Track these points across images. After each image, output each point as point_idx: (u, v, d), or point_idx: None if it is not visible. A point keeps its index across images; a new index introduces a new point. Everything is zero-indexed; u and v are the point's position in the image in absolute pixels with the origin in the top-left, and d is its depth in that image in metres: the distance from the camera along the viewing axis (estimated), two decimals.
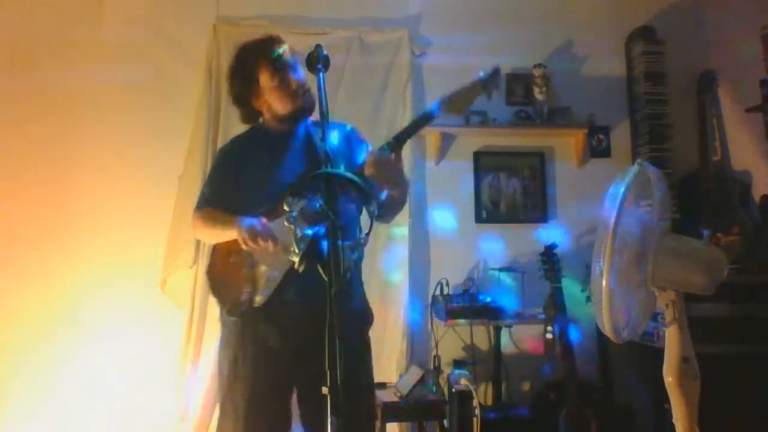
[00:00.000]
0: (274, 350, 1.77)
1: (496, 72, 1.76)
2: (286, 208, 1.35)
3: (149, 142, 3.21)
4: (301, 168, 1.84)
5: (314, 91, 1.78)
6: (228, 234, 1.77)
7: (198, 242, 3.11)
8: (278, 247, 1.66)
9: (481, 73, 1.75)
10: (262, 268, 1.74)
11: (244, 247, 1.70)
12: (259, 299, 1.73)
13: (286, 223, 1.40)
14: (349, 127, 1.99)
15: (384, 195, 1.81)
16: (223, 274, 1.85)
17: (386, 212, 1.89)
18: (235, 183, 1.89)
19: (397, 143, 1.74)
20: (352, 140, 1.94)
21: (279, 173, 1.84)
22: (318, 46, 1.72)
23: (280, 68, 1.85)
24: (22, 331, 3.01)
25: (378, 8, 3.48)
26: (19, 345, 3.00)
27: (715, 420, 1.65)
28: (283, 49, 1.88)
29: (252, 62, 1.87)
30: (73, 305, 3.04)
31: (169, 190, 3.15)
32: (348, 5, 3.46)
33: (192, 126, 3.22)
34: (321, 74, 1.66)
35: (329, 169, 1.41)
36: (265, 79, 1.86)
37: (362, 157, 1.77)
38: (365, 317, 1.91)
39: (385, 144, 1.73)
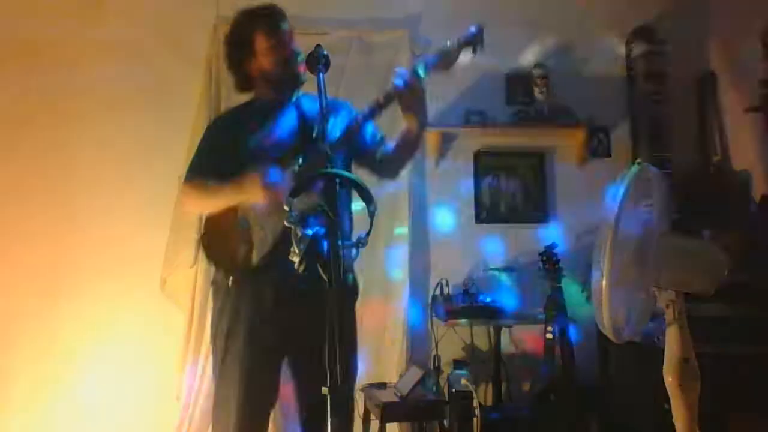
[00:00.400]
0: (268, 312, 1.78)
1: (479, 30, 1.88)
2: (286, 208, 1.35)
3: (149, 141, 3.21)
4: (290, 139, 1.86)
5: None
6: (228, 201, 1.79)
7: (198, 242, 3.11)
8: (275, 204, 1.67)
9: (464, 35, 1.85)
10: (256, 228, 1.76)
11: (264, 201, 1.70)
12: (255, 258, 1.74)
13: (286, 224, 1.40)
14: (346, 105, 2.03)
15: (392, 146, 1.91)
16: (218, 237, 1.86)
17: (398, 156, 1.95)
18: (227, 155, 1.87)
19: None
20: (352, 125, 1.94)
21: (268, 141, 1.86)
22: (318, 46, 1.72)
23: (276, 32, 1.88)
24: (21, 330, 3.01)
25: (378, 8, 3.48)
26: (19, 345, 3.00)
27: (715, 420, 1.65)
28: (282, 18, 1.91)
29: (248, 25, 1.90)
30: (73, 305, 3.04)
31: (169, 190, 3.15)
32: (348, 5, 3.46)
33: (192, 126, 3.22)
34: (321, 74, 1.66)
35: (330, 170, 1.41)
36: (260, 41, 1.88)
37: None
38: (352, 292, 1.92)
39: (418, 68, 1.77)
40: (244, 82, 1.98)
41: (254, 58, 1.90)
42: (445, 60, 1.82)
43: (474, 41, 1.86)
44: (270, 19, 1.90)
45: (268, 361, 1.81)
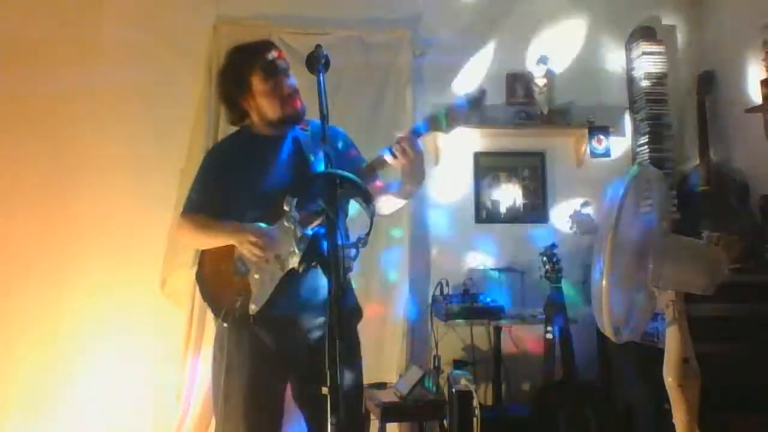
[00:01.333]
0: (269, 352, 1.78)
1: (481, 93, 1.76)
2: (286, 208, 1.35)
3: (149, 141, 3.21)
4: (288, 175, 1.84)
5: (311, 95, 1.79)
6: (220, 241, 1.77)
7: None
8: (272, 255, 1.67)
9: (464, 101, 1.73)
10: (255, 276, 1.73)
11: (249, 257, 1.71)
12: (253, 307, 1.72)
13: (286, 224, 1.40)
14: (341, 131, 1.98)
15: (396, 186, 1.84)
16: (214, 280, 1.84)
17: (393, 202, 1.91)
18: (221, 188, 1.85)
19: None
20: (347, 142, 1.94)
21: (266, 179, 1.83)
22: (318, 46, 1.71)
23: (273, 73, 1.84)
24: (21, 330, 3.01)
25: (378, 8, 3.48)
26: (18, 344, 3.00)
27: (715, 420, 1.65)
28: (277, 55, 1.87)
29: (245, 65, 1.85)
30: (74, 305, 3.04)
31: (169, 190, 3.15)
32: (348, 5, 3.46)
33: (192, 126, 3.22)
34: (321, 74, 1.65)
35: (330, 170, 1.41)
36: (257, 83, 1.84)
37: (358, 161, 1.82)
38: (356, 312, 1.91)
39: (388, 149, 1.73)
40: (238, 118, 1.95)
41: (252, 99, 1.86)
42: (448, 121, 1.74)
43: (477, 105, 1.76)
44: (266, 60, 1.84)
45: (269, 397, 1.80)
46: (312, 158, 1.82)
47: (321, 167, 1.54)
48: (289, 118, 1.87)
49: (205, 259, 1.88)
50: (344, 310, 1.73)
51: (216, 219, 1.81)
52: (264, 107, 1.86)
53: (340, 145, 1.90)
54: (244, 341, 1.78)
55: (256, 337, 1.77)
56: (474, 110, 1.75)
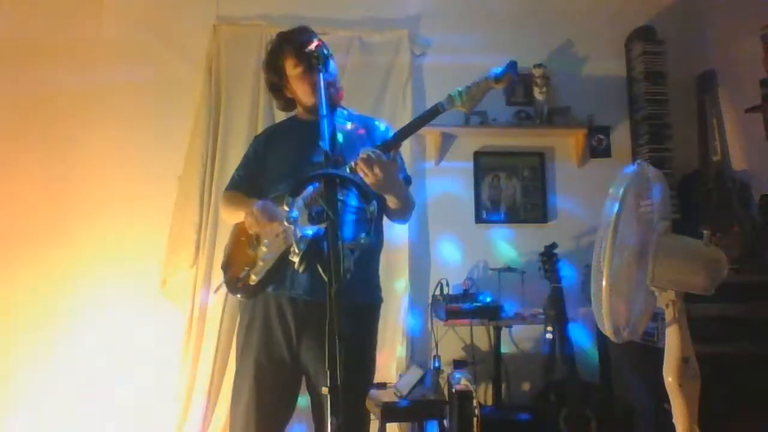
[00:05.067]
0: (276, 324, 1.80)
1: (511, 66, 1.70)
2: (285, 208, 1.35)
3: (149, 141, 3.21)
4: (319, 157, 1.84)
5: (339, 84, 1.89)
6: (240, 215, 1.84)
7: (198, 242, 3.12)
8: (280, 228, 1.70)
9: (495, 70, 1.69)
10: (262, 248, 1.77)
11: (247, 226, 1.79)
12: (253, 278, 1.75)
13: (286, 223, 1.40)
14: (377, 123, 2.00)
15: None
16: (233, 251, 1.91)
17: (390, 215, 1.93)
18: (262, 168, 1.95)
19: (394, 142, 1.73)
20: (375, 134, 1.94)
21: (300, 160, 1.86)
22: (318, 46, 1.72)
23: (304, 55, 1.81)
24: (22, 331, 3.01)
25: (378, 8, 3.48)
26: (19, 345, 3.00)
27: (715, 420, 1.65)
28: (309, 38, 1.85)
29: (278, 51, 1.91)
30: (74, 305, 3.04)
31: (169, 190, 3.16)
32: (348, 5, 3.46)
33: (192, 126, 3.22)
34: (321, 74, 1.66)
35: (329, 170, 1.41)
36: (290, 68, 1.89)
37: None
38: (366, 309, 1.88)
39: (379, 144, 1.72)
40: (284, 105, 2.03)
41: (288, 84, 1.93)
42: (469, 96, 1.70)
43: (503, 78, 1.71)
44: (298, 44, 1.84)
45: (282, 377, 1.80)
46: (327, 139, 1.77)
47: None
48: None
49: (233, 232, 1.96)
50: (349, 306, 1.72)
51: (247, 196, 1.91)
52: (299, 93, 1.92)
53: (368, 135, 1.92)
54: (257, 311, 1.83)
55: (265, 308, 1.81)
56: (501, 80, 1.68)
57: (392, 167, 1.71)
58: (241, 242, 1.86)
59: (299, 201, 1.55)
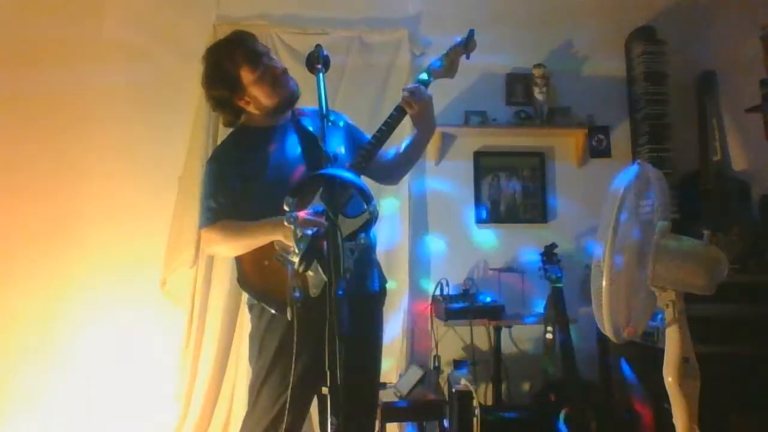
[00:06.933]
0: (315, 338, 1.70)
1: (470, 35, 1.99)
2: (285, 208, 1.35)
3: (149, 141, 3.21)
4: (299, 154, 1.83)
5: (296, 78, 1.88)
6: (261, 241, 1.69)
7: (198, 242, 3.11)
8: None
9: (458, 38, 1.99)
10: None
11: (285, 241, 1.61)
12: (314, 291, 1.56)
13: (286, 223, 1.40)
14: (345, 117, 2.03)
15: (393, 153, 2.00)
16: (263, 280, 1.75)
17: (402, 162, 2.02)
18: (240, 190, 1.79)
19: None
20: (351, 128, 2.00)
21: (280, 165, 1.80)
22: (318, 46, 1.72)
23: (258, 59, 1.80)
24: (22, 330, 3.01)
25: (378, 8, 3.48)
26: (19, 345, 3.00)
27: (715, 420, 1.65)
28: (255, 40, 1.85)
29: (227, 62, 1.80)
30: (74, 305, 3.04)
31: (169, 190, 3.16)
32: (348, 5, 3.46)
33: (192, 126, 3.22)
34: (321, 74, 1.66)
35: (329, 170, 1.41)
36: (246, 74, 1.79)
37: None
38: (370, 302, 1.88)
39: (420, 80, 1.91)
40: (234, 117, 1.90)
41: (245, 93, 1.82)
42: (448, 62, 1.96)
43: (469, 44, 1.99)
44: (247, 48, 1.81)
45: (305, 388, 1.71)
46: (317, 133, 1.69)
47: (331, 139, 1.58)
48: (285, 100, 1.86)
49: (242, 265, 1.79)
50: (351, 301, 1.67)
51: (245, 221, 1.74)
52: (259, 96, 1.82)
53: (342, 123, 1.96)
54: (301, 329, 1.59)
55: (306, 324, 1.61)
56: (467, 47, 1.99)
57: (432, 103, 1.93)
58: (267, 267, 1.69)
59: (294, 214, 1.43)
